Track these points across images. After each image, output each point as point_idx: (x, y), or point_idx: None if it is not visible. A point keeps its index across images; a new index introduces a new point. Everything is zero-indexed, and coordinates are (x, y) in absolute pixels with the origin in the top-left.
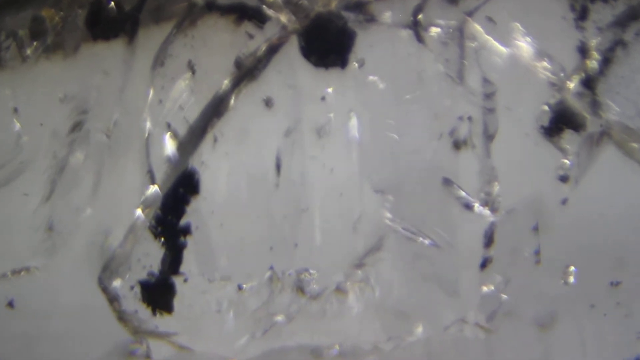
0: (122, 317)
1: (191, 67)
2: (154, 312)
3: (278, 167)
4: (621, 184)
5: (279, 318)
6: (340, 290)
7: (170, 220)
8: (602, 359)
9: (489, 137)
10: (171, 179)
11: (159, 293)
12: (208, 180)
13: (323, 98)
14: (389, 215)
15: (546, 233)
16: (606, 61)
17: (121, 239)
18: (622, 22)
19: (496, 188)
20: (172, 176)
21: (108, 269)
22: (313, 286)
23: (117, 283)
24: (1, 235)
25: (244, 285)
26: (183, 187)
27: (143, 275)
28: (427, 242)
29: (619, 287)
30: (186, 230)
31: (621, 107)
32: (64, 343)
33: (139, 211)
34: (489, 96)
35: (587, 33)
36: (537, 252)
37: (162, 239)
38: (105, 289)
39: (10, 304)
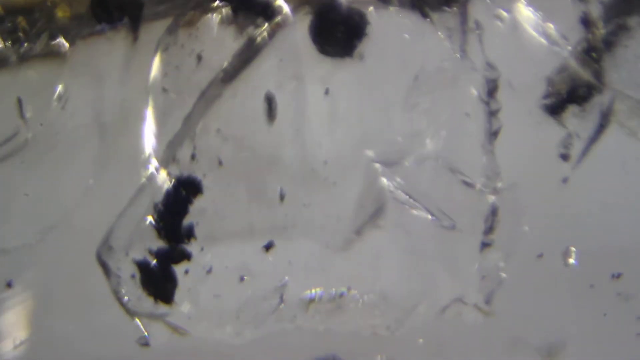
0: (119, 295)
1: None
2: (155, 301)
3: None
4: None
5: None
6: None
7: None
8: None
9: (492, 134)
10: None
11: (159, 283)
12: None
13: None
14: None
15: (547, 212)
16: (610, 33)
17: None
18: None
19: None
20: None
21: (107, 244)
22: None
23: (115, 259)
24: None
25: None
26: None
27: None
28: (429, 217)
29: (620, 278)
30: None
31: (625, 77)
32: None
33: (140, 187)
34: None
35: (591, 5)
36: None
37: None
38: (103, 264)
39: (9, 284)
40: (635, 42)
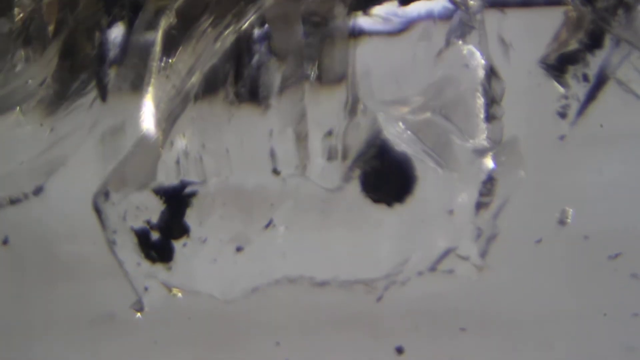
0: (113, 247)
1: None
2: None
3: None
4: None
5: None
6: None
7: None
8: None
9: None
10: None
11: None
12: None
13: None
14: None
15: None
16: None
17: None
18: None
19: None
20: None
21: (103, 190)
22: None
23: (111, 207)
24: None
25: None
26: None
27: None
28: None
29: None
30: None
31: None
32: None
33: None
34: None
35: None
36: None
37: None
38: (98, 211)
39: (5, 241)
40: None
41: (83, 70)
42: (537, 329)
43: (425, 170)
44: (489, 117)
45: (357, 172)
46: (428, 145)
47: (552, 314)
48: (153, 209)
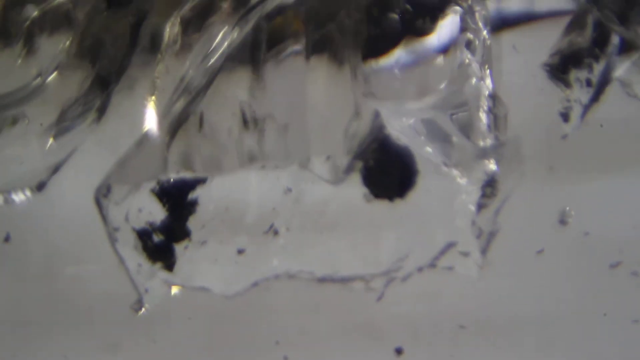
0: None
1: None
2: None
3: None
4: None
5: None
6: None
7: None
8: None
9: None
10: None
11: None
12: None
13: None
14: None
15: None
16: None
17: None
18: None
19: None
20: None
21: (106, 185)
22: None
23: (114, 205)
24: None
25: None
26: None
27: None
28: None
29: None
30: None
31: None
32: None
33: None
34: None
35: None
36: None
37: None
38: (99, 205)
39: (7, 239)
40: None
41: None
42: (537, 329)
43: (427, 166)
44: (492, 117)
45: (359, 166)
46: (431, 141)
47: (553, 313)
48: (155, 212)
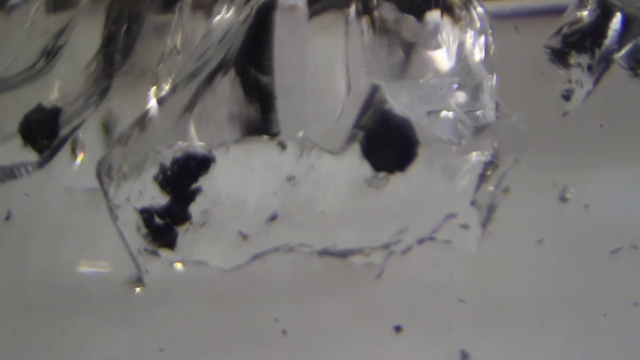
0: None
1: None
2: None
3: None
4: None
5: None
6: None
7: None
8: None
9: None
10: None
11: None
12: None
13: None
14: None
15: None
16: None
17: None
18: None
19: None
20: None
21: (108, 161)
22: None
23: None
24: None
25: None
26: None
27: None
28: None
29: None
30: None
31: None
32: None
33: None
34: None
35: None
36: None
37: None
38: (100, 179)
39: (8, 217)
40: None
41: None
42: (537, 303)
43: (428, 138)
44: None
45: (360, 135)
46: (432, 115)
47: (553, 291)
48: (156, 196)
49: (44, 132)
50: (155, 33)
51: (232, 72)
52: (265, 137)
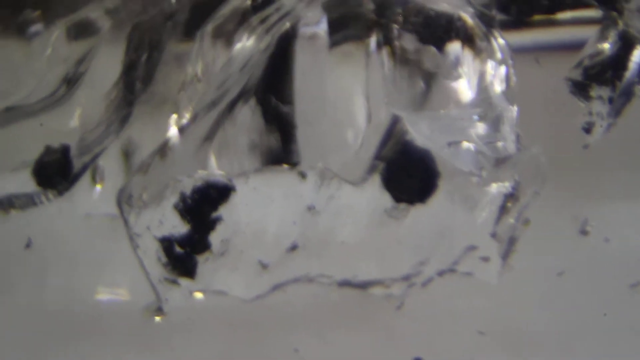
0: (136, 249)
1: None
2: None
3: None
4: None
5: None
6: None
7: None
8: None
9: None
10: None
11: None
12: None
13: None
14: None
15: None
16: None
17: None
18: None
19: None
20: None
21: (128, 189)
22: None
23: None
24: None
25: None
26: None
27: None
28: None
29: None
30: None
31: None
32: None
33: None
34: None
35: None
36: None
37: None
38: (120, 207)
39: (28, 245)
40: None
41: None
42: (559, 336)
43: (449, 170)
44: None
45: (380, 166)
46: (453, 147)
47: (573, 324)
48: (176, 225)
49: (57, 173)
50: (175, 61)
51: (252, 101)
52: (285, 166)
